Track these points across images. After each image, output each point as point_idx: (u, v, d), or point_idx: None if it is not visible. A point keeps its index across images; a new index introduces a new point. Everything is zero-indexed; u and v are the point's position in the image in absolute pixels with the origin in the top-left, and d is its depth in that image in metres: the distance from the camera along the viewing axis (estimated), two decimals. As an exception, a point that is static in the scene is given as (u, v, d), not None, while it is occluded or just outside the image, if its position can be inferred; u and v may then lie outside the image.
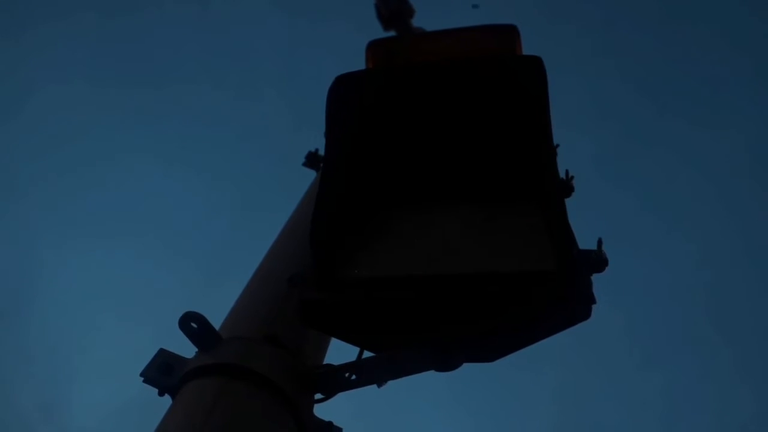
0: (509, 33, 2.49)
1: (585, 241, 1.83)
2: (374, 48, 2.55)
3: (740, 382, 10.49)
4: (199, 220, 11.78)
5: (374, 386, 1.85)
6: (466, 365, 1.83)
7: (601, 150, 10.76)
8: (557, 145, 2.09)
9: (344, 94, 2.03)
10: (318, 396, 1.86)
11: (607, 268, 1.73)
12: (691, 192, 11.46)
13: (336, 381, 1.80)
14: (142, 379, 1.80)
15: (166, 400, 1.77)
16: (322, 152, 3.13)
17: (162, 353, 1.83)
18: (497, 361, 1.87)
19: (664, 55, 12.01)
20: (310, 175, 3.06)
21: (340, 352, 2.01)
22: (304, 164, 3.12)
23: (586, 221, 1.91)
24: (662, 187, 11.55)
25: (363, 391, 1.87)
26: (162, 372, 1.79)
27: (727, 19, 11.57)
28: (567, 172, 2.24)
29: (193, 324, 1.79)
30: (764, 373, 10.46)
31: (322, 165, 2.09)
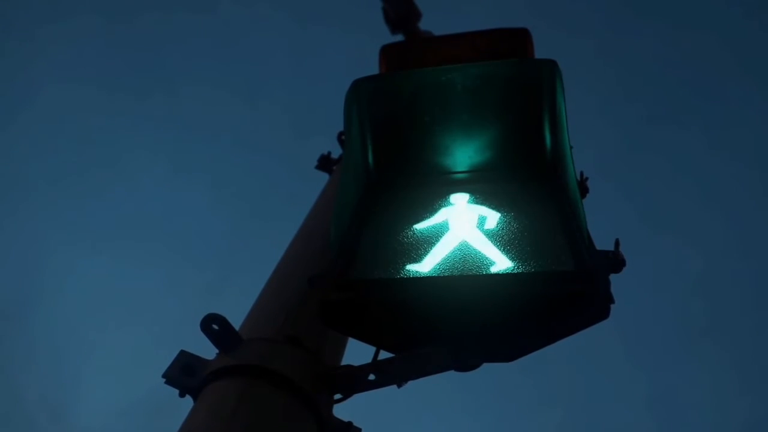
0: (521, 36, 2.52)
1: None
2: (387, 52, 2.59)
3: (740, 383, 10.47)
4: (205, 225, 11.79)
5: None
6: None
7: (599, 155, 10.76)
8: (571, 147, 2.11)
9: (361, 97, 2.06)
10: (337, 396, 1.87)
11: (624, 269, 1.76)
12: (689, 196, 11.47)
13: (356, 381, 1.81)
14: (164, 380, 1.82)
15: (173, 402, 1.79)
16: (334, 155, 3.16)
17: (183, 354, 1.85)
18: (502, 365, 1.89)
19: (662, 61, 12.02)
20: (323, 178, 3.08)
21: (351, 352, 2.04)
22: (317, 167, 3.14)
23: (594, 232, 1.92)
24: (660, 191, 11.56)
25: (371, 396, 1.89)
26: (184, 373, 1.80)
27: (726, 24, 11.58)
28: (582, 173, 2.26)
29: (214, 326, 1.80)
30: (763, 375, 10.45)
31: (342, 166, 2.12)
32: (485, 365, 1.82)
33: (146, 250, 11.35)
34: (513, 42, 2.50)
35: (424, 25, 4.54)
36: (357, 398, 1.87)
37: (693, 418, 10.78)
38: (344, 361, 2.05)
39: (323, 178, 3.09)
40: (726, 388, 10.56)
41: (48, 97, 11.37)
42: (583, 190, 2.27)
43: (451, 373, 1.83)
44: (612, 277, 1.72)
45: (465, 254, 1.86)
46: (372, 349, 1.91)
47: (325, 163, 3.13)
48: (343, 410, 1.88)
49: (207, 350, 1.85)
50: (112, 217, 11.50)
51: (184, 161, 11.84)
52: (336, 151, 3.18)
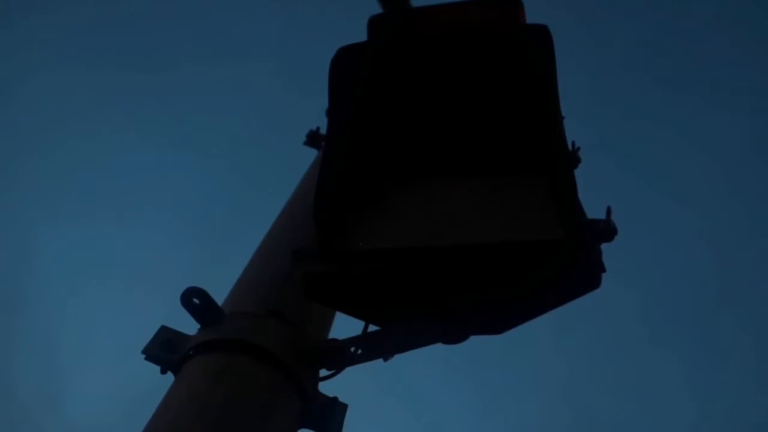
0: (512, 4, 2.45)
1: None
2: (376, 22, 2.51)
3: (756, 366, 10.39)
4: (200, 202, 11.71)
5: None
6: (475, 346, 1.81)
7: (602, 131, 10.63)
8: (563, 117, 2.05)
9: (347, 66, 2.00)
10: (324, 373, 1.83)
11: (616, 237, 1.71)
12: (696, 171, 11.35)
13: (341, 356, 1.77)
14: (144, 356, 1.77)
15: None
16: (322, 131, 3.11)
17: (164, 330, 1.80)
18: (504, 359, 1.85)
19: (665, 35, 11.88)
20: (311, 155, 3.03)
21: (344, 328, 1.99)
22: (305, 143, 3.09)
23: (590, 203, 1.87)
24: (666, 167, 11.44)
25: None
26: (164, 349, 1.76)
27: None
28: (573, 143, 2.20)
29: (195, 300, 1.75)
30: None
31: (325, 139, 2.06)
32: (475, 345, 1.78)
33: (141, 230, 11.26)
34: (504, 10, 2.43)
35: (416, 2, 4.47)
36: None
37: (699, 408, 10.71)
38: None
39: (312, 153, 3.04)
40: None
41: (35, 79, 11.24)
42: (575, 160, 2.22)
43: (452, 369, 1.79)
44: (619, 255, 1.67)
45: (453, 224, 1.81)
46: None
47: (313, 139, 3.08)
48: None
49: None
50: (104, 200, 11.42)
51: (175, 137, 11.72)
52: (325, 128, 3.12)
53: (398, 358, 1.84)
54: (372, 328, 1.84)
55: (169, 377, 1.74)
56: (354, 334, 1.82)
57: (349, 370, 1.82)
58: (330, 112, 2.03)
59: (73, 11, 11.28)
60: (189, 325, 1.80)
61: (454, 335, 1.72)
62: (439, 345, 1.77)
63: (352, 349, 1.77)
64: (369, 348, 1.75)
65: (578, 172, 2.20)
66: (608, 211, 1.71)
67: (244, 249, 2.23)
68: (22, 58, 11.36)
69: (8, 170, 11.29)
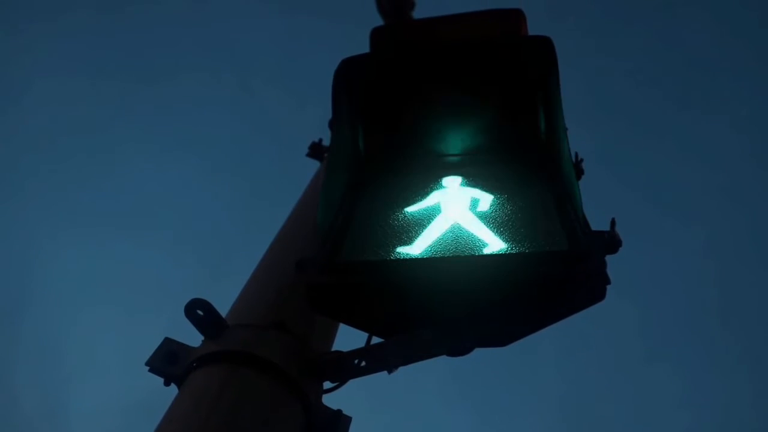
0: (514, 17, 2.46)
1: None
2: (378, 34, 2.53)
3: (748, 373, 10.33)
4: (202, 214, 11.68)
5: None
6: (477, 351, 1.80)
7: (602, 143, 10.62)
8: (566, 129, 2.06)
9: (350, 77, 2.01)
10: (328, 385, 1.82)
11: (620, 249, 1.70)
12: (696, 181, 11.32)
13: (345, 367, 1.76)
14: (148, 368, 1.76)
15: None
16: (325, 142, 3.11)
17: (167, 342, 1.80)
18: (502, 363, 1.84)
19: (662, 43, 11.90)
20: (313, 166, 3.03)
21: (348, 339, 1.98)
22: (308, 155, 3.09)
23: (594, 214, 1.87)
24: (665, 177, 11.41)
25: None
26: (167, 361, 1.75)
27: (726, 4, 11.46)
28: (576, 154, 2.21)
29: (199, 311, 1.75)
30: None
31: (328, 150, 2.07)
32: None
33: (144, 241, 11.22)
34: (506, 23, 2.44)
35: (418, 14, 4.49)
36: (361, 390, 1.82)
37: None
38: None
39: (314, 165, 3.04)
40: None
41: (37, 88, 11.25)
42: (579, 171, 2.22)
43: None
44: (619, 265, 1.67)
45: (457, 236, 1.81)
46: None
47: (316, 150, 3.08)
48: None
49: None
50: (106, 210, 11.40)
51: (176, 148, 11.71)
52: (328, 139, 3.13)
53: (402, 370, 1.84)
54: (376, 339, 1.84)
55: (173, 389, 1.73)
56: (358, 346, 1.83)
57: (353, 383, 1.81)
58: (333, 123, 2.04)
59: (73, 19, 11.33)
60: (193, 337, 1.80)
61: (458, 347, 1.71)
62: (444, 357, 1.77)
63: (356, 361, 1.76)
64: (373, 360, 1.74)
65: (582, 184, 2.20)
66: (612, 223, 1.71)
67: (247, 261, 2.22)
68: (25, 64, 11.40)
69: (11, 179, 11.29)
